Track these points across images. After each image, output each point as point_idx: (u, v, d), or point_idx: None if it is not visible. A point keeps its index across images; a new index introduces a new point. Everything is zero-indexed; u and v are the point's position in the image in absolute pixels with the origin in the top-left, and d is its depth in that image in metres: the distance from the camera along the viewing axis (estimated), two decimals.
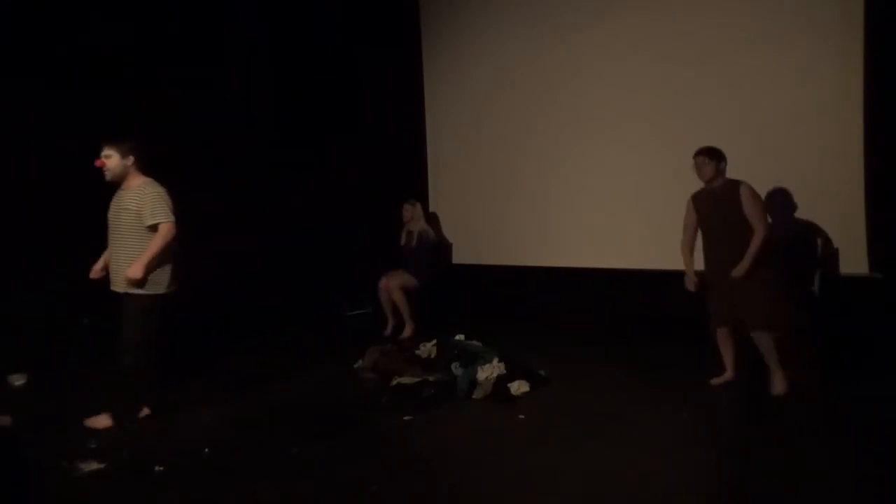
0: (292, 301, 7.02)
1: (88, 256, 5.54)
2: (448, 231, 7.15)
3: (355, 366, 5.09)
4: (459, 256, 7.08)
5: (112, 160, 3.99)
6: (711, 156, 4.22)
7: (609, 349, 5.40)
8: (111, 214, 4.04)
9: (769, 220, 4.12)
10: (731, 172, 5.38)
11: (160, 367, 4.05)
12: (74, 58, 5.63)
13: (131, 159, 4.03)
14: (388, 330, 6.26)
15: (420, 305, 6.28)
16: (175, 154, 6.02)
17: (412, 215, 6.55)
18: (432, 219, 7.03)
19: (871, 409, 3.84)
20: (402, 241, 6.60)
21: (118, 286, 3.98)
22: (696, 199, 4.35)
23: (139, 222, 3.92)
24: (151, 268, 3.91)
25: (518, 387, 4.36)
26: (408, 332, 6.15)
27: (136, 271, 3.84)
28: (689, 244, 4.40)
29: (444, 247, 7.02)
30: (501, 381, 4.38)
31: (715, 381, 4.32)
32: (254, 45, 6.79)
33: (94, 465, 3.39)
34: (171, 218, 3.94)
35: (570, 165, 6.13)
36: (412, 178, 7.19)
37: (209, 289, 6.31)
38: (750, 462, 3.26)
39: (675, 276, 5.44)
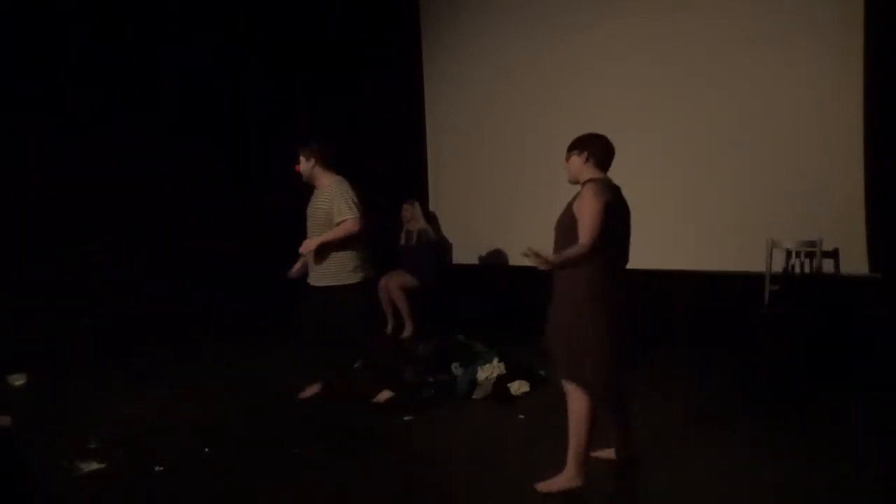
0: (291, 301, 7.01)
1: (88, 256, 5.58)
2: (448, 231, 7.14)
3: (355, 366, 5.09)
4: (459, 256, 7.08)
5: (302, 165, 4.37)
6: (571, 148, 3.20)
7: None
8: (309, 212, 4.36)
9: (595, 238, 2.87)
10: (732, 172, 5.37)
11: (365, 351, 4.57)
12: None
13: (312, 161, 4.36)
14: (388, 330, 6.26)
15: (420, 305, 6.28)
16: (174, 156, 6.05)
17: (411, 215, 6.55)
18: (432, 219, 7.03)
19: (872, 408, 3.84)
20: (402, 241, 6.60)
21: (317, 280, 4.28)
22: None
23: (330, 219, 4.22)
24: (340, 259, 4.22)
25: (518, 387, 4.37)
26: (408, 332, 6.15)
27: (308, 246, 4.21)
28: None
29: (443, 246, 7.02)
30: (501, 381, 4.39)
31: (596, 453, 3.19)
32: (253, 45, 6.78)
33: (94, 465, 3.39)
34: (355, 213, 4.19)
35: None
36: (412, 178, 7.19)
37: (206, 289, 6.32)
38: (750, 461, 3.26)
39: (675, 277, 5.47)
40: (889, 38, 4.45)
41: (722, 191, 5.23)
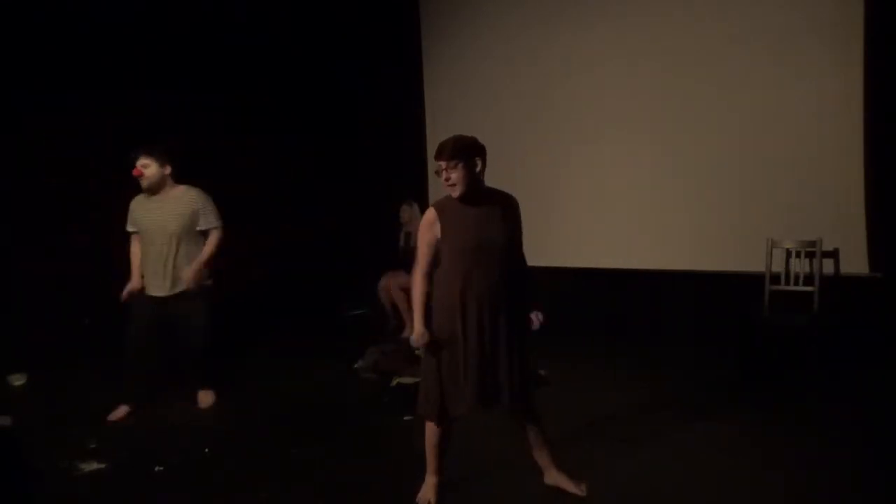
0: (291, 301, 7.02)
1: (88, 256, 5.57)
2: None
3: (355, 366, 5.10)
4: None
5: (150, 169, 4.05)
6: (471, 156, 2.86)
7: (609, 349, 5.40)
8: (152, 222, 4.09)
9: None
10: (732, 172, 5.37)
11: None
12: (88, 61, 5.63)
13: (168, 168, 4.13)
14: (388, 330, 6.26)
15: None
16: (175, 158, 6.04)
17: (410, 216, 6.54)
18: None
19: (872, 408, 3.84)
20: (401, 243, 6.60)
21: (164, 289, 4.09)
22: (441, 210, 2.91)
23: (189, 228, 4.09)
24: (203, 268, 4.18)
25: None
26: (408, 332, 6.14)
27: (195, 273, 4.06)
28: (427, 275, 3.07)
29: None
30: None
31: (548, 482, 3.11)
32: (253, 46, 6.78)
33: (94, 465, 3.40)
34: (222, 223, 4.21)
35: (570, 166, 6.12)
36: (412, 179, 7.19)
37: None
38: (750, 459, 3.26)
39: (675, 277, 5.47)
40: (889, 39, 4.45)
41: (721, 191, 5.23)
